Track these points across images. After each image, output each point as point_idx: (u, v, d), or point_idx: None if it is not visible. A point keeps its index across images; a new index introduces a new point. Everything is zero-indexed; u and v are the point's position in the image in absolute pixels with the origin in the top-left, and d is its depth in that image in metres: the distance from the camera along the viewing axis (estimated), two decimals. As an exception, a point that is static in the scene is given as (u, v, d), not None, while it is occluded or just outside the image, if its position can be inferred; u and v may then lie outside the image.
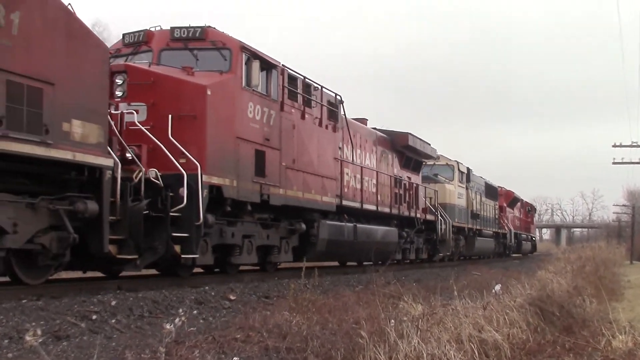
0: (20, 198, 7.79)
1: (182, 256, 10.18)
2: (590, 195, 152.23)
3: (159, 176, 9.82)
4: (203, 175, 10.37)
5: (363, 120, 19.61)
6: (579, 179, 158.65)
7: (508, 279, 15.45)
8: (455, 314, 7.92)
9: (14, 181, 7.88)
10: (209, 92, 10.93)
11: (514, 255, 43.24)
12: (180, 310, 8.05)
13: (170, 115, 10.37)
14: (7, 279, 8.64)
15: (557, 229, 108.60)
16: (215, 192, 10.94)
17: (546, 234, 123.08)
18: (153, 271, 12.12)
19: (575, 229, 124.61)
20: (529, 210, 53.65)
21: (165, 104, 10.59)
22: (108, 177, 8.69)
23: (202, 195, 10.27)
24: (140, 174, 9.52)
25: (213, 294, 9.77)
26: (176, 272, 11.00)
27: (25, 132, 7.50)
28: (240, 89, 11.79)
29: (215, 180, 10.90)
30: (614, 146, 43.07)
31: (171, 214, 9.86)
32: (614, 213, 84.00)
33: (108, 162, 8.71)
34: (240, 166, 11.61)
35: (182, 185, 10.00)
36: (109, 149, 8.81)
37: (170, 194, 9.90)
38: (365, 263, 18.57)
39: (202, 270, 13.15)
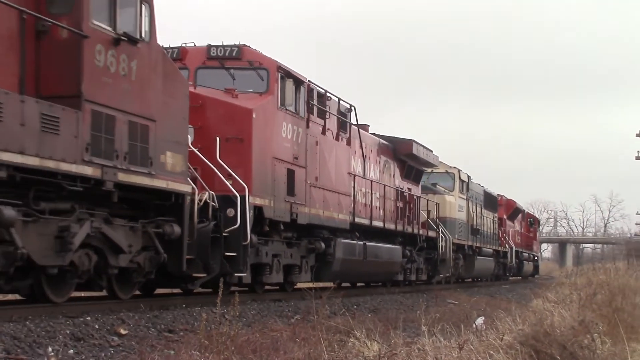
0: (125, 222, 11.34)
1: (235, 274, 13.59)
2: (606, 201, 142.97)
3: (215, 198, 13.05)
4: (250, 196, 13.70)
5: (365, 127, 21.78)
6: (592, 178, 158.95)
7: (494, 310, 15.59)
8: (423, 355, 7.99)
9: (118, 207, 11.28)
10: (254, 115, 14.36)
11: (511, 278, 45.28)
12: (50, 349, 8.10)
13: (217, 138, 13.62)
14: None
15: (562, 244, 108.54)
16: (257, 212, 14.23)
17: (547, 250, 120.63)
18: (14, 296, 12.23)
19: (585, 245, 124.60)
20: (531, 222, 56.24)
21: (213, 127, 13.89)
22: (188, 201, 12.27)
23: (249, 215, 13.51)
24: (205, 196, 12.83)
25: (96, 326, 9.63)
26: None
27: (139, 165, 11.15)
28: (276, 109, 15.30)
29: (258, 201, 14.31)
30: (639, 135, 44.29)
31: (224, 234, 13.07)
32: (637, 224, 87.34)
33: (188, 188, 12.33)
34: (275, 186, 15.08)
35: (232, 206, 13.26)
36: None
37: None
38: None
39: (83, 295, 13.33)
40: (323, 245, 17.41)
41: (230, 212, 13.36)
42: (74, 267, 10.56)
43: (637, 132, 44.59)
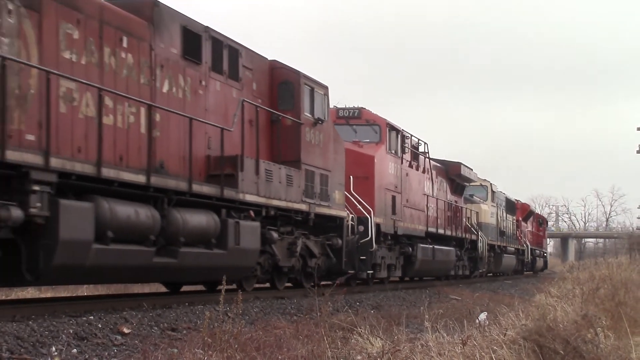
0: (314, 237, 17.32)
1: (367, 272, 20.05)
2: (608, 195, 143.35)
3: (355, 219, 19.26)
4: (376, 218, 20.05)
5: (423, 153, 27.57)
6: (593, 172, 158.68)
7: (497, 306, 15.80)
8: (426, 351, 8.05)
9: (311, 228, 17.13)
10: (375, 160, 20.90)
11: (526, 272, 50.43)
12: (54, 349, 8.15)
13: (351, 176, 19.37)
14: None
15: (564, 239, 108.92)
16: (377, 227, 20.20)
17: (549, 245, 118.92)
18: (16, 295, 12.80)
19: (587, 239, 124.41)
20: (541, 223, 62.07)
21: (347, 169, 19.03)
22: (345, 222, 18.49)
23: (374, 230, 19.70)
24: (352, 217, 19.09)
25: (100, 325, 9.67)
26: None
27: (324, 200, 17.31)
28: (386, 153, 21.86)
29: (378, 220, 20.45)
30: None
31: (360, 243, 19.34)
32: (638, 218, 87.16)
33: (345, 213, 18.63)
34: (386, 208, 21.48)
35: (363, 224, 19.50)
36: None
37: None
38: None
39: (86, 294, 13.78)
40: (410, 249, 23.57)
41: (361, 228, 19.48)
42: (293, 266, 16.39)
43: (638, 126, 44.57)
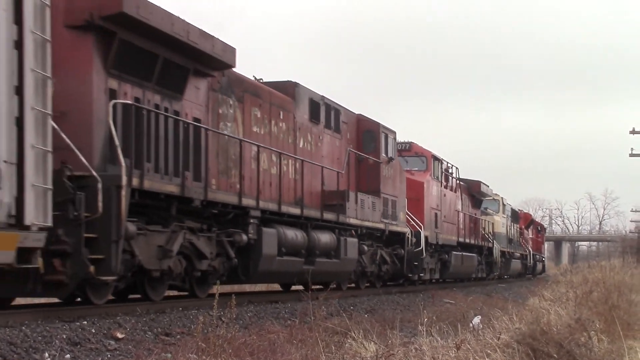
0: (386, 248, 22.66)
1: (419, 275, 24.97)
2: (601, 198, 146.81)
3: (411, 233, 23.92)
4: (425, 232, 24.84)
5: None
6: (586, 176, 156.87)
7: (490, 309, 15.80)
8: (420, 355, 8.04)
9: (383, 241, 22.12)
10: (425, 185, 26.28)
11: (527, 275, 54.70)
12: (47, 354, 8.09)
13: (405, 198, 24.01)
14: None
15: (557, 242, 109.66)
16: (425, 239, 24.92)
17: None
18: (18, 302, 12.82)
19: (580, 243, 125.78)
20: (539, 230, 66.84)
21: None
22: (407, 236, 23.28)
23: (424, 241, 24.44)
24: (408, 232, 23.73)
25: (93, 330, 9.63)
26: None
27: (394, 220, 22.49)
28: (431, 179, 27.26)
29: (426, 233, 25.20)
30: (633, 132, 43.26)
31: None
32: (631, 221, 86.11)
33: (407, 229, 23.55)
34: (431, 223, 26.48)
35: (416, 237, 24.14)
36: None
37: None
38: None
39: (112, 297, 13.69)
40: (446, 256, 28.74)
41: (414, 240, 24.13)
42: (372, 271, 21.59)
43: (631, 129, 43.46)
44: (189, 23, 12.46)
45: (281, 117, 16.84)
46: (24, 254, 8.92)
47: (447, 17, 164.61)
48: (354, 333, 9.66)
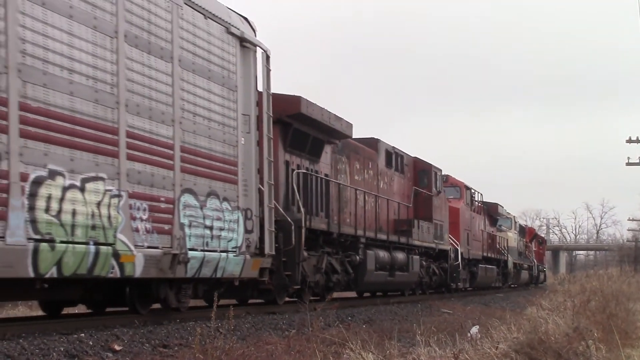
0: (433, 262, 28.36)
1: (457, 284, 30.29)
2: (598, 207, 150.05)
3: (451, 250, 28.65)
4: (460, 248, 29.73)
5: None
6: (583, 185, 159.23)
7: (488, 319, 15.94)
8: None
9: (432, 256, 27.87)
10: (460, 211, 31.11)
11: (532, 284, 60.02)
12: None
13: (448, 222, 29.68)
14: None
15: (555, 251, 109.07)
16: (461, 255, 29.47)
17: None
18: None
19: (578, 252, 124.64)
20: (541, 242, 71.79)
21: None
22: (451, 253, 28.92)
23: (461, 255, 29.43)
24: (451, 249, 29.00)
25: (91, 343, 9.57)
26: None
27: (440, 240, 28.32)
28: (464, 205, 33.33)
29: (461, 249, 30.86)
30: (629, 141, 43.56)
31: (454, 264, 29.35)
32: (628, 230, 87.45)
33: (449, 247, 29.36)
34: (464, 241, 32.17)
35: (454, 253, 29.74)
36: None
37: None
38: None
39: (81, 312, 14.49)
40: (475, 268, 34.61)
41: (452, 255, 29.91)
42: (426, 282, 27.46)
43: (627, 139, 43.71)
44: (329, 111, 18.39)
45: (370, 166, 22.79)
46: (261, 272, 14.73)
47: (442, 22, 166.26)
48: (352, 343, 9.62)
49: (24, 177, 9.16)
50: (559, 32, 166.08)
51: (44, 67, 9.61)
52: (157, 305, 13.35)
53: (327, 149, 19.56)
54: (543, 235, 71.78)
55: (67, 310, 13.67)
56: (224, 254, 13.25)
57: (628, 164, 43.99)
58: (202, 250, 12.59)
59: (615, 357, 9.70)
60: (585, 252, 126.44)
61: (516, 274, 48.41)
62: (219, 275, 13.23)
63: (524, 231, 56.07)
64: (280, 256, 15.86)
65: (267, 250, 14.66)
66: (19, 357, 8.37)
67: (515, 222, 50.47)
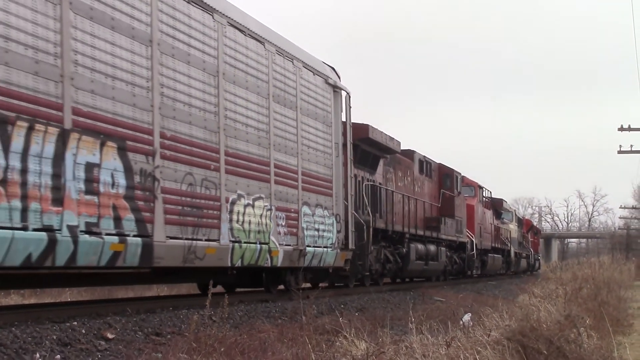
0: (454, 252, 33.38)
1: (472, 271, 35.47)
2: (590, 195, 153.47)
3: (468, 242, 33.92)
4: (475, 240, 35.03)
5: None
6: (575, 173, 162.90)
7: (480, 307, 15.99)
8: (410, 353, 8.19)
9: (451, 246, 32.77)
10: (475, 208, 36.38)
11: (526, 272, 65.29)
12: (37, 355, 8.25)
13: (465, 217, 34.45)
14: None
15: (547, 239, 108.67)
16: (475, 246, 35.14)
17: None
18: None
19: (570, 240, 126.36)
20: (536, 232, 76.64)
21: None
22: (468, 244, 33.43)
23: (475, 246, 34.87)
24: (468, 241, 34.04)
25: (83, 331, 9.59)
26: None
27: (459, 234, 33.62)
28: (478, 202, 37.39)
29: (476, 241, 36.03)
30: (621, 129, 43.24)
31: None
32: (620, 218, 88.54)
33: (467, 240, 34.43)
34: (477, 234, 36.96)
35: (470, 245, 35.08)
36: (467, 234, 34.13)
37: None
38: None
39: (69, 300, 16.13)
40: (485, 257, 39.70)
41: (468, 246, 34.97)
42: (449, 269, 32.58)
43: (619, 127, 43.09)
44: (386, 133, 23.30)
45: (408, 173, 27.75)
46: (345, 262, 19.60)
47: (441, 13, 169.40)
48: (345, 331, 9.72)
49: (226, 200, 14.05)
50: (550, 20, 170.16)
51: (245, 129, 14.69)
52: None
53: (381, 162, 24.46)
54: (536, 225, 76.03)
55: (58, 298, 15.45)
56: (325, 249, 18.16)
57: (620, 151, 43.83)
58: (313, 247, 17.51)
59: (606, 344, 9.75)
60: (577, 240, 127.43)
61: (517, 262, 53.52)
62: (322, 265, 18.13)
63: (521, 222, 60.88)
64: (354, 250, 20.65)
65: (350, 245, 19.60)
66: (12, 345, 8.46)
67: (516, 216, 55.87)
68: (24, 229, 9.36)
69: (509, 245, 48.86)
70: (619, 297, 18.37)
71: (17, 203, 9.24)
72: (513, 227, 52.66)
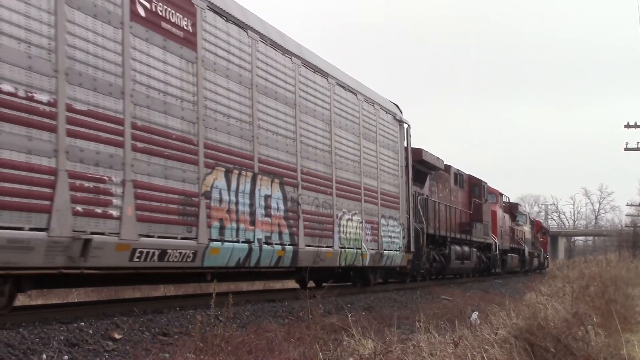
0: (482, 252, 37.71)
1: (495, 269, 39.74)
2: (596, 193, 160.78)
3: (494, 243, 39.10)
4: (497, 241, 39.89)
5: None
6: (582, 171, 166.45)
7: (488, 305, 16.15)
8: (418, 352, 8.31)
9: (478, 247, 36.99)
10: (497, 213, 41.17)
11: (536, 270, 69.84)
12: (45, 356, 8.43)
13: (490, 221, 39.30)
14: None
15: (554, 237, 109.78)
16: (497, 246, 40.15)
17: None
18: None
19: (576, 237, 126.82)
20: (544, 232, 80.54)
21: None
22: (493, 245, 38.22)
23: (498, 247, 39.70)
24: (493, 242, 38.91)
25: (91, 331, 9.69)
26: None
27: (485, 236, 37.75)
28: (499, 207, 42.21)
29: (498, 242, 40.34)
30: (627, 127, 44.01)
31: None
32: (627, 215, 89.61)
33: (492, 240, 38.75)
34: (499, 236, 41.56)
35: (494, 245, 39.27)
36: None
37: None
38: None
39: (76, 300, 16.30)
40: (505, 257, 44.18)
41: (493, 247, 39.94)
42: (477, 268, 37.41)
43: (626, 124, 43.77)
44: (433, 154, 28.25)
45: (446, 185, 32.71)
46: (407, 262, 24.51)
47: (449, 14, 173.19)
48: (352, 330, 9.75)
49: (337, 216, 19.01)
50: (557, 17, 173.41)
51: (346, 162, 19.90)
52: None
53: (427, 177, 29.42)
54: (542, 223, 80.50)
55: (65, 299, 16.57)
56: (394, 252, 23.06)
57: (626, 149, 43.96)
58: (387, 250, 22.41)
59: (614, 342, 9.64)
60: (584, 237, 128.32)
61: (530, 261, 57.87)
62: (392, 265, 23.08)
63: (532, 223, 64.93)
64: (414, 252, 25.53)
65: (412, 248, 24.58)
66: (20, 345, 8.51)
67: (529, 218, 60.68)
68: (237, 241, 14.15)
69: (523, 245, 53.54)
70: (626, 294, 18.32)
71: (234, 225, 14.22)
72: (527, 228, 57.49)
